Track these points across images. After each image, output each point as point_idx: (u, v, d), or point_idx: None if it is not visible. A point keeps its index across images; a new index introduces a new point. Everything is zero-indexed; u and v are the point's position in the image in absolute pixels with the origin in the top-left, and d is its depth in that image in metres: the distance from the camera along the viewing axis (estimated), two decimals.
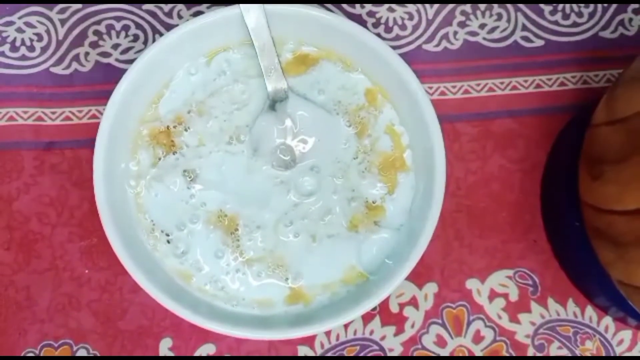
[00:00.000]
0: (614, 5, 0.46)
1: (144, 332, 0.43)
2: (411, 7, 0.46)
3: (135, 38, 0.45)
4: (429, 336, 0.43)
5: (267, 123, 0.40)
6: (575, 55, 0.45)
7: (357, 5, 0.46)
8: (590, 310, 0.44)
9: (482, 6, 0.46)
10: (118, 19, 0.45)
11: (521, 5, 0.46)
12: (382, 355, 0.43)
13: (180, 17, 0.45)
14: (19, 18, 0.45)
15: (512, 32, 0.46)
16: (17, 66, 0.45)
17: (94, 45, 0.45)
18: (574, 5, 0.46)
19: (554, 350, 0.43)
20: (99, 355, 0.42)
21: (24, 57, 0.45)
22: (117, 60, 0.45)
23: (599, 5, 0.46)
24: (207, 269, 0.39)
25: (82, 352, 0.43)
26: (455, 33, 0.46)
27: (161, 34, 0.45)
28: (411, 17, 0.46)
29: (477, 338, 0.43)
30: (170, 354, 0.43)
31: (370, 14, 0.46)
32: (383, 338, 0.43)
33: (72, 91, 0.44)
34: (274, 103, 0.40)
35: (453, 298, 0.44)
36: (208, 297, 0.39)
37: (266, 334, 0.37)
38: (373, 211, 0.40)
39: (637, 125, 0.32)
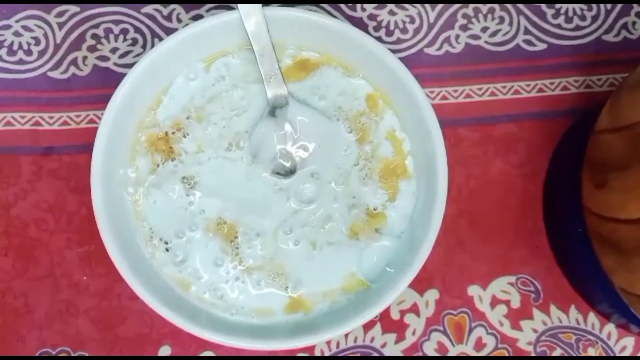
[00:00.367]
0: (617, 9, 0.45)
1: (143, 340, 0.42)
2: (412, 10, 0.45)
3: (134, 42, 0.45)
4: (430, 343, 0.43)
5: (267, 129, 0.39)
6: (578, 58, 0.45)
7: (358, 9, 0.45)
8: (592, 317, 0.43)
9: (484, 9, 0.45)
10: (116, 22, 0.45)
11: (524, 9, 0.45)
12: None
13: (179, 20, 0.45)
14: (17, 21, 0.45)
15: (515, 36, 0.45)
16: (15, 70, 0.44)
17: (92, 49, 0.44)
18: (577, 9, 0.45)
19: None
20: None
21: (21, 61, 0.44)
22: (115, 64, 0.44)
23: (602, 9, 0.45)
24: (206, 277, 0.39)
25: None
26: (457, 36, 0.45)
27: (160, 38, 0.45)
28: (412, 21, 0.45)
29: (479, 345, 0.43)
30: None
31: (371, 17, 0.45)
32: (384, 345, 0.43)
33: (70, 96, 0.44)
34: (274, 109, 0.40)
35: (454, 305, 0.43)
36: (207, 306, 0.39)
37: (266, 344, 0.37)
38: (374, 218, 0.40)
39: None
